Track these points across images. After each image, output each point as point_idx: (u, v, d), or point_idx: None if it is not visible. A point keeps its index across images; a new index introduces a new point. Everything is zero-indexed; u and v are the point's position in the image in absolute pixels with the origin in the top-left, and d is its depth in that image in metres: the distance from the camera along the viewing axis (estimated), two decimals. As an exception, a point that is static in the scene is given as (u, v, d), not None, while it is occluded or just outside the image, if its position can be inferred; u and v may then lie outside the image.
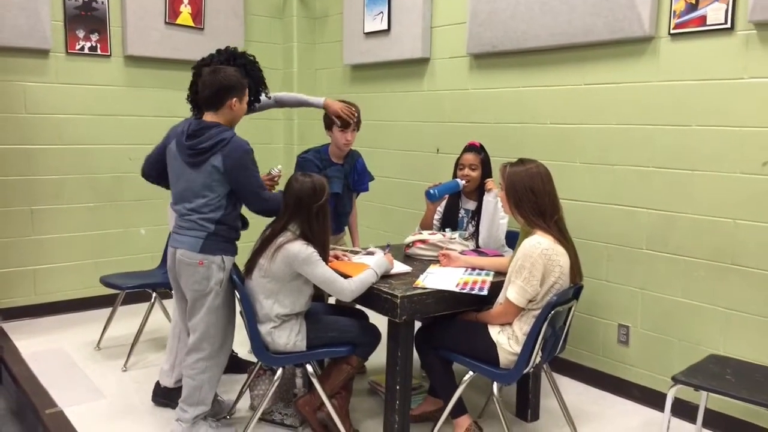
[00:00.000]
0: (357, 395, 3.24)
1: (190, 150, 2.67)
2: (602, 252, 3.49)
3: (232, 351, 3.37)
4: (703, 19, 2.98)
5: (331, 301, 3.32)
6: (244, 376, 3.34)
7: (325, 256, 2.69)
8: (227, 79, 2.69)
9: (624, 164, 3.37)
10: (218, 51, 3.13)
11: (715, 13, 2.93)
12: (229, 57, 3.09)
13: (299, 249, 2.61)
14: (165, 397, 3.23)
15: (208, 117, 2.75)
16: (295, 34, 5.38)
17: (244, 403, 3.22)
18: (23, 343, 4.06)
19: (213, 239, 2.70)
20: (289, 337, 2.70)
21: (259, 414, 2.83)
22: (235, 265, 2.84)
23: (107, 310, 4.27)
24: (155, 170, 3.00)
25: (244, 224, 2.86)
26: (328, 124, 3.39)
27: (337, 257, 3.01)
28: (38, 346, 4.01)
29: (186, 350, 2.85)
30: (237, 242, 2.85)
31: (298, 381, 3.36)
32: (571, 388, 3.54)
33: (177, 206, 2.78)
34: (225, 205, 2.72)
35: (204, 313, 2.75)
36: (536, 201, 2.61)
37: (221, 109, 2.72)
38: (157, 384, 3.28)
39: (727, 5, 2.89)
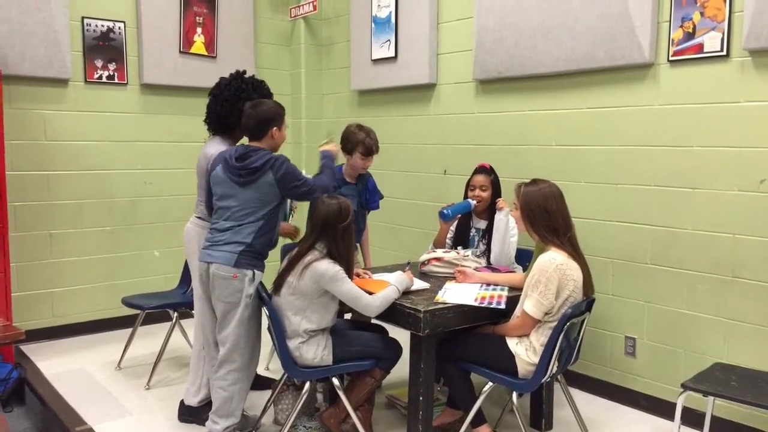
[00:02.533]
0: (375, 409, 3.35)
1: (242, 170, 2.87)
2: (607, 267, 3.65)
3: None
4: (700, 47, 3.18)
5: (346, 316, 3.45)
6: (265, 393, 3.47)
7: (350, 274, 2.84)
8: (268, 112, 2.97)
9: (627, 183, 3.54)
10: (229, 75, 3.30)
11: (711, 41, 3.13)
12: (233, 79, 3.26)
13: (327, 267, 2.76)
14: (190, 414, 3.34)
15: (253, 144, 2.98)
16: (302, 61, 5.57)
17: (267, 417, 3.33)
18: (44, 364, 4.16)
19: (247, 254, 2.89)
20: (316, 352, 2.83)
21: (288, 427, 2.95)
22: (261, 284, 2.98)
23: (124, 331, 4.39)
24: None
25: (275, 243, 3.05)
26: (350, 149, 3.55)
27: (358, 275, 3.15)
28: (60, 367, 4.11)
29: (217, 363, 2.99)
30: (264, 261, 3.01)
31: (319, 396, 3.49)
32: (581, 399, 3.66)
33: (218, 222, 2.97)
34: (267, 221, 2.92)
35: (235, 326, 2.91)
36: (550, 219, 2.77)
37: (264, 138, 2.98)
38: (182, 403, 3.38)
39: (723, 34, 3.08)
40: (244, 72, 3.31)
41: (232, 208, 2.91)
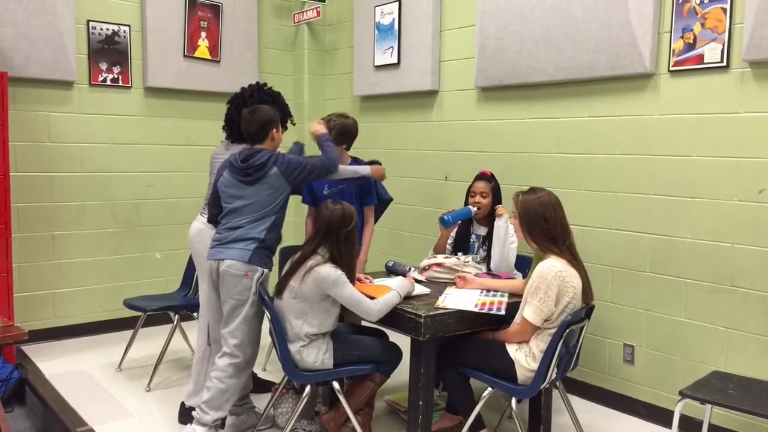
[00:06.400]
0: (374, 413, 3.37)
1: (248, 168, 2.99)
2: (607, 275, 3.67)
3: (252, 371, 3.50)
4: (700, 58, 3.21)
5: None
6: (265, 396, 3.48)
7: (351, 279, 2.86)
8: (266, 115, 3.11)
9: (627, 192, 3.57)
10: (249, 86, 3.45)
11: (711, 52, 3.16)
12: (254, 91, 3.42)
13: (329, 271, 2.78)
14: (191, 416, 3.35)
15: (255, 147, 3.11)
16: (305, 66, 5.61)
17: (266, 421, 3.35)
18: (45, 364, 4.17)
19: (261, 251, 2.99)
20: (317, 356, 2.86)
21: (288, 431, 2.97)
22: (263, 286, 3.01)
23: (124, 333, 4.40)
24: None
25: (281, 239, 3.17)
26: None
27: (359, 280, 3.17)
28: (60, 368, 4.12)
29: (219, 354, 3.04)
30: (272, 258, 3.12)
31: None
32: (580, 407, 3.67)
33: (230, 222, 3.05)
34: (278, 215, 3.05)
35: (240, 322, 2.98)
36: (548, 228, 2.79)
37: (266, 140, 3.12)
38: (182, 404, 3.40)
39: (723, 45, 3.12)
40: (265, 84, 3.47)
41: (244, 207, 3.01)
